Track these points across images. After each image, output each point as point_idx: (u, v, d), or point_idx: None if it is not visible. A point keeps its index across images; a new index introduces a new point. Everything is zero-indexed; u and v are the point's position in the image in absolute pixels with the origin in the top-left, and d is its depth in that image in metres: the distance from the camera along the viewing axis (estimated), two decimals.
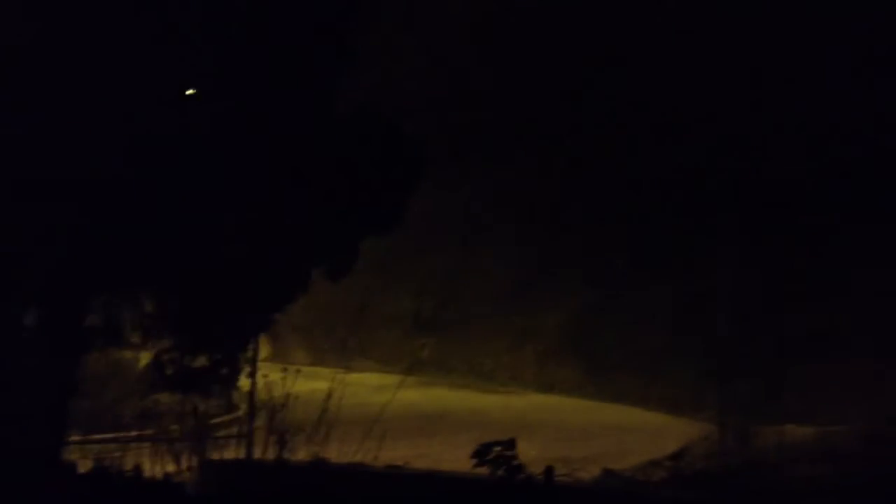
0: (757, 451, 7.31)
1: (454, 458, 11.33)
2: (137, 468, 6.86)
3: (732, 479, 6.93)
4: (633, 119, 19.43)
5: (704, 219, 17.36)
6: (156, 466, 6.90)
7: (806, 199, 15.97)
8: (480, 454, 5.03)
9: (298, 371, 7.03)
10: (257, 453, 7.74)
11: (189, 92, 7.39)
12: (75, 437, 10.24)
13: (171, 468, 6.75)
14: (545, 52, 20.94)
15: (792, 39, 17.26)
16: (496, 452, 5.08)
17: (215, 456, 7.11)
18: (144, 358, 10.62)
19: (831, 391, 12.60)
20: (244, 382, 8.28)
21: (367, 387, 17.21)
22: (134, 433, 10.51)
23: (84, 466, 7.22)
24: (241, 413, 14.21)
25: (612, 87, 19.75)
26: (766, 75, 17.65)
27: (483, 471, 5.06)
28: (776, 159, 16.99)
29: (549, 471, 5.06)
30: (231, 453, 8.22)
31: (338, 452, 6.81)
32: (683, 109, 19.00)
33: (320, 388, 7.11)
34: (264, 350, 18.12)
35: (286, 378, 6.97)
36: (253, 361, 9.08)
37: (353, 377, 13.32)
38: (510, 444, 5.07)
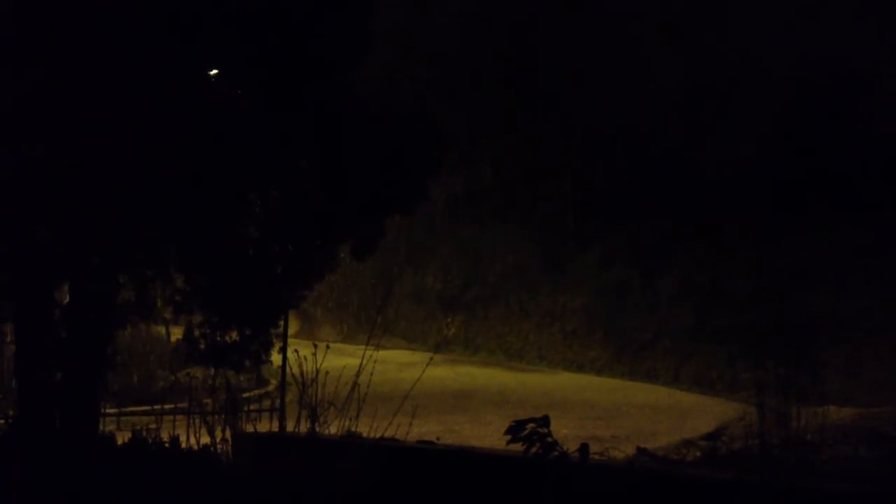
0: (796, 431, 7.21)
1: (483, 434, 11.35)
2: (175, 440, 6.93)
3: (770, 459, 6.85)
4: (655, 100, 19.24)
5: (734, 199, 17.18)
6: (191, 438, 6.96)
7: (844, 184, 15.79)
8: (514, 430, 4.97)
9: (328, 347, 7.04)
10: (289, 427, 7.78)
11: (213, 73, 7.44)
12: (111, 410, 10.39)
13: (205, 440, 6.80)
14: (558, 26, 20.80)
15: None
16: (530, 429, 5.01)
17: (248, 429, 7.15)
18: (176, 333, 10.72)
19: (872, 372, 12.43)
20: (275, 357, 8.32)
21: (396, 364, 17.26)
22: (168, 406, 10.63)
23: (122, 438, 7.30)
24: (271, 388, 14.34)
25: (629, 66, 19.57)
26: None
27: (515, 447, 5.00)
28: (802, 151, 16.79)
29: (584, 448, 4.99)
30: (264, 426, 8.28)
31: (368, 427, 6.82)
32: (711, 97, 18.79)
33: (349, 364, 7.11)
34: (293, 326, 18.24)
35: (316, 354, 6.97)
36: (283, 337, 9.13)
37: (382, 354, 13.31)
38: (544, 420, 5.00)
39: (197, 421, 6.98)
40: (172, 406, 10.27)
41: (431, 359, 11.81)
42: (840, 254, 15.35)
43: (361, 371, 6.90)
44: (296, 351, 7.08)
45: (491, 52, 21.77)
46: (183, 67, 7.04)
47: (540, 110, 21.01)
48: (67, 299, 7.47)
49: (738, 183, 17.26)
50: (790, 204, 15.93)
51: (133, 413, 11.04)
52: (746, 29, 17.94)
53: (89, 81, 6.74)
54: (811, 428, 7.38)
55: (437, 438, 7.22)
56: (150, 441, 6.91)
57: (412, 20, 21.53)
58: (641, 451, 8.26)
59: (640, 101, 19.36)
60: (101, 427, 7.66)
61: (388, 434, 6.60)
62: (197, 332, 7.78)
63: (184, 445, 6.95)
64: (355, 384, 6.89)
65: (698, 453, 8.42)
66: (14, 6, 6.68)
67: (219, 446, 6.77)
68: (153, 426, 7.68)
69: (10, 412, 7.63)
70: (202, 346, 7.71)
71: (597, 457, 5.15)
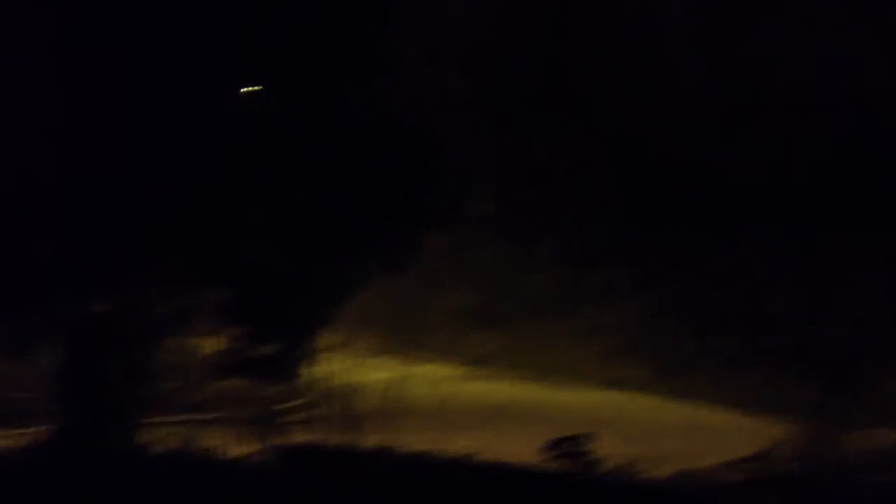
0: (843, 455, 6.96)
1: (519, 451, 11.17)
2: (210, 451, 6.92)
3: (816, 484, 6.61)
4: (688, 112, 19.00)
5: (780, 217, 16.89)
6: (226, 449, 6.94)
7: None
8: (552, 448, 4.88)
9: (362, 361, 6.99)
10: (325, 439, 7.74)
11: (245, 90, 7.47)
12: (147, 420, 10.42)
13: (240, 451, 6.78)
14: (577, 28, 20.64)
15: None
16: (568, 447, 4.92)
17: (283, 440, 7.13)
18: (213, 345, 10.75)
19: None
20: (311, 370, 8.30)
21: (430, 379, 17.15)
22: (203, 417, 10.65)
23: (157, 449, 7.30)
24: (307, 400, 14.32)
25: (666, 74, 19.34)
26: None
27: (551, 465, 4.90)
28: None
29: (623, 468, 4.88)
30: (298, 438, 8.27)
31: (403, 440, 6.75)
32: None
33: (383, 378, 7.07)
34: (329, 339, 18.28)
35: (350, 367, 6.93)
36: (317, 351, 9.11)
37: (416, 369, 13.25)
38: (584, 439, 4.91)
39: (233, 432, 6.97)
40: (208, 417, 10.27)
41: (465, 374, 11.76)
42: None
43: (396, 385, 6.84)
44: (329, 364, 7.05)
45: (513, 64, 21.69)
46: (206, 77, 7.06)
47: (572, 124, 20.87)
48: (105, 311, 7.50)
49: (779, 195, 16.95)
50: (843, 213, 15.53)
51: (169, 423, 11.05)
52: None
53: (120, 90, 6.76)
54: (859, 452, 7.14)
55: (472, 453, 7.12)
56: (186, 452, 6.90)
57: (441, 35, 21.51)
58: (682, 473, 8.07)
59: (659, 110, 19.11)
60: (137, 438, 7.66)
61: (422, 448, 6.53)
62: (233, 345, 7.79)
63: (220, 456, 6.93)
64: (390, 398, 6.84)
65: (741, 476, 8.21)
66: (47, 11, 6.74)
67: (255, 457, 6.75)
68: (189, 437, 7.67)
69: (46, 426, 7.67)
70: (239, 358, 7.72)
71: (637, 477, 5.03)
